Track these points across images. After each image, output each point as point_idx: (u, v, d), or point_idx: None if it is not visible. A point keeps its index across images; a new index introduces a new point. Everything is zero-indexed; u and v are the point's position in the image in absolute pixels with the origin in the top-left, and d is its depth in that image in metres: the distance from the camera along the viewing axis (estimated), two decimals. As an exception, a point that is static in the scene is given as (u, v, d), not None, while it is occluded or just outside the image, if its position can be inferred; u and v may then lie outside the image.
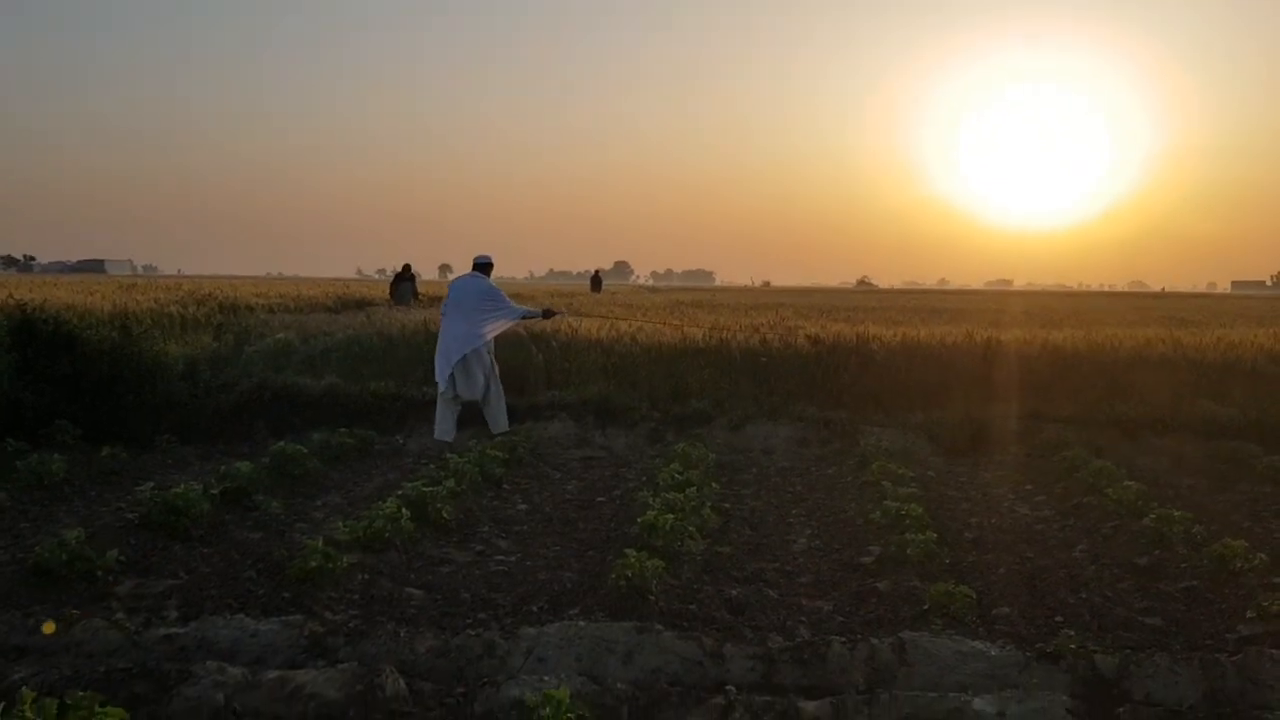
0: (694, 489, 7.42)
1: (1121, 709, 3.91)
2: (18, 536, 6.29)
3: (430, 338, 12.62)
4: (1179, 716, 3.87)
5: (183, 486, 6.55)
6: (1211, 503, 8.04)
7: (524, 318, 10.52)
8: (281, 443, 8.62)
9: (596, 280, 41.52)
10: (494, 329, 10.26)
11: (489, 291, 10.32)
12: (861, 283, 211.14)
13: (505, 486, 8.36)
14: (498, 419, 10.27)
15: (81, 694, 3.20)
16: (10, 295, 14.11)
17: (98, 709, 3.10)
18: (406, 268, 24.06)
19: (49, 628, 4.35)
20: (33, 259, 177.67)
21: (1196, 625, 5.17)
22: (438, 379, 10.05)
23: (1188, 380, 11.63)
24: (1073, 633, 4.73)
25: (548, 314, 10.88)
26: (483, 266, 10.58)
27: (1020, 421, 10.61)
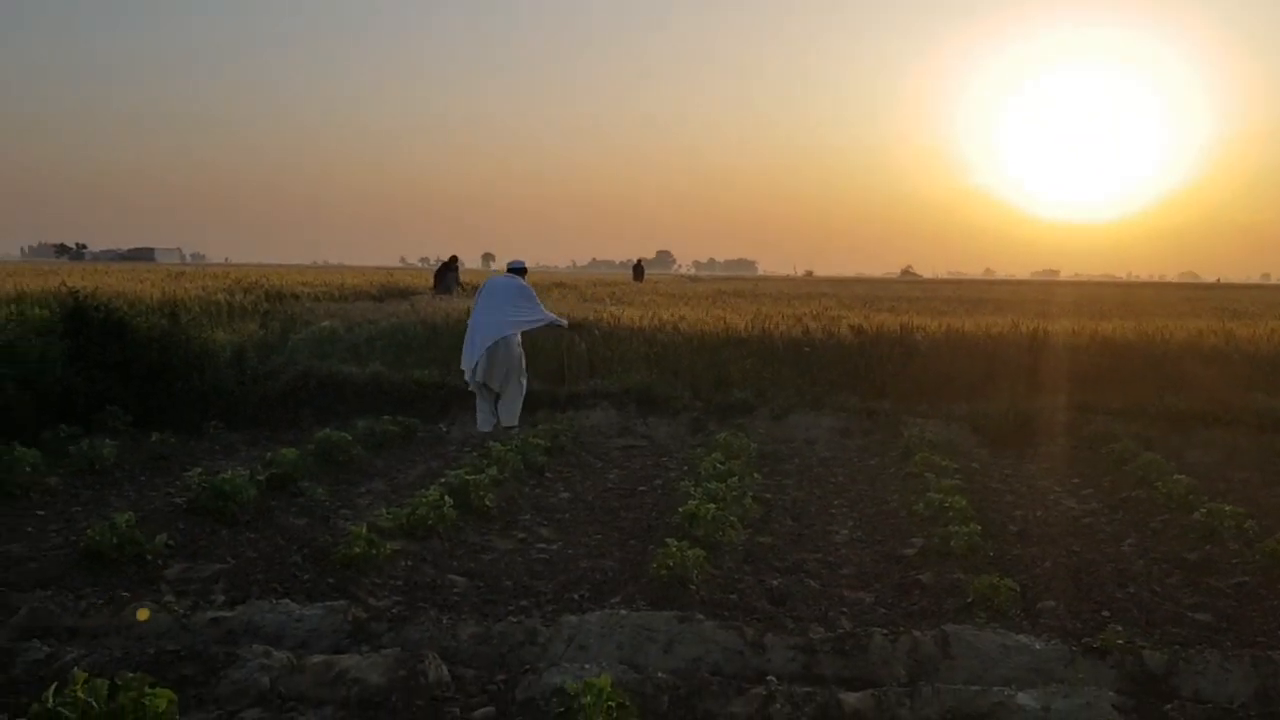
0: (736, 479, 7.41)
1: (1169, 706, 3.85)
2: (70, 520, 6.42)
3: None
4: (1229, 714, 3.81)
5: (230, 472, 6.65)
6: (1265, 497, 7.88)
7: (551, 324, 10.57)
8: (326, 430, 8.72)
9: (639, 269, 41.51)
10: (523, 324, 10.30)
11: (522, 289, 10.40)
12: (905, 273, 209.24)
13: (547, 475, 8.40)
14: (509, 412, 10.30)
15: (131, 675, 3.26)
16: (63, 283, 14.37)
17: (147, 690, 3.15)
18: (453, 259, 24.20)
19: (143, 614, 4.44)
20: (84, 247, 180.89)
21: (1248, 622, 5.07)
22: (464, 365, 10.13)
23: (1241, 373, 11.42)
24: (1120, 628, 4.66)
25: (574, 326, 10.92)
26: (518, 271, 10.72)
27: (1067, 413, 10.48)
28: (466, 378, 10.15)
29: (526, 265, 10.88)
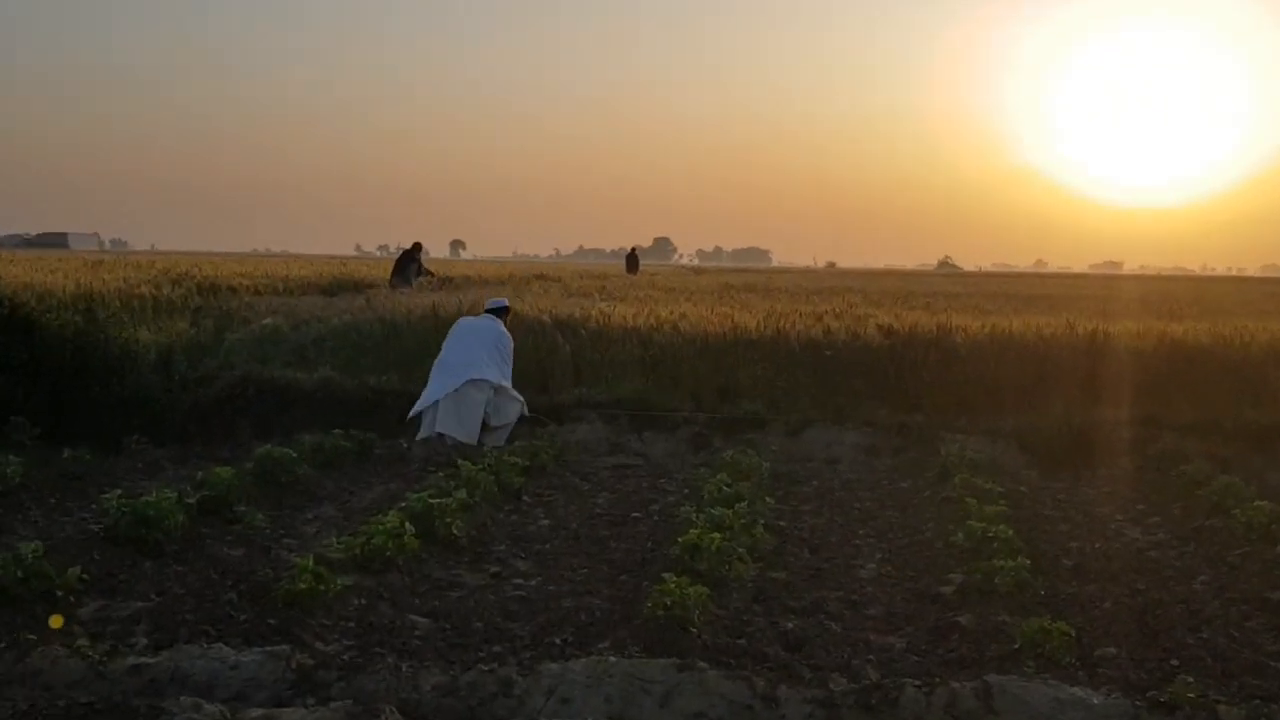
0: (745, 504, 7.41)
1: (1249, 770, 3.85)
2: (-33, 550, 6.40)
3: (442, 324, 12.70)
4: (1318, 780, 3.81)
5: (155, 495, 6.63)
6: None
7: (507, 396, 10.55)
8: (268, 445, 8.70)
9: (633, 259, 41.55)
10: (486, 381, 10.25)
11: (499, 341, 10.48)
12: (943, 264, 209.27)
13: (525, 499, 8.40)
14: (495, 437, 10.34)
15: (38, 731, 3.25)
16: (-41, 273, 14.36)
17: (56, 749, 3.14)
18: (416, 246, 24.20)
19: (52, 658, 4.41)
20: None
21: (1340, 672, 5.08)
22: (418, 407, 10.13)
23: (1335, 382, 11.45)
24: (1191, 679, 4.67)
25: (525, 419, 10.77)
26: (498, 311, 10.79)
27: (1131, 428, 10.51)
28: (418, 423, 10.13)
29: (509, 305, 10.97)
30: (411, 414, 10.17)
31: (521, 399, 10.63)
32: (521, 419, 10.64)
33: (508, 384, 10.45)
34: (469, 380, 10.14)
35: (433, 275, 23.53)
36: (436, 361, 10.51)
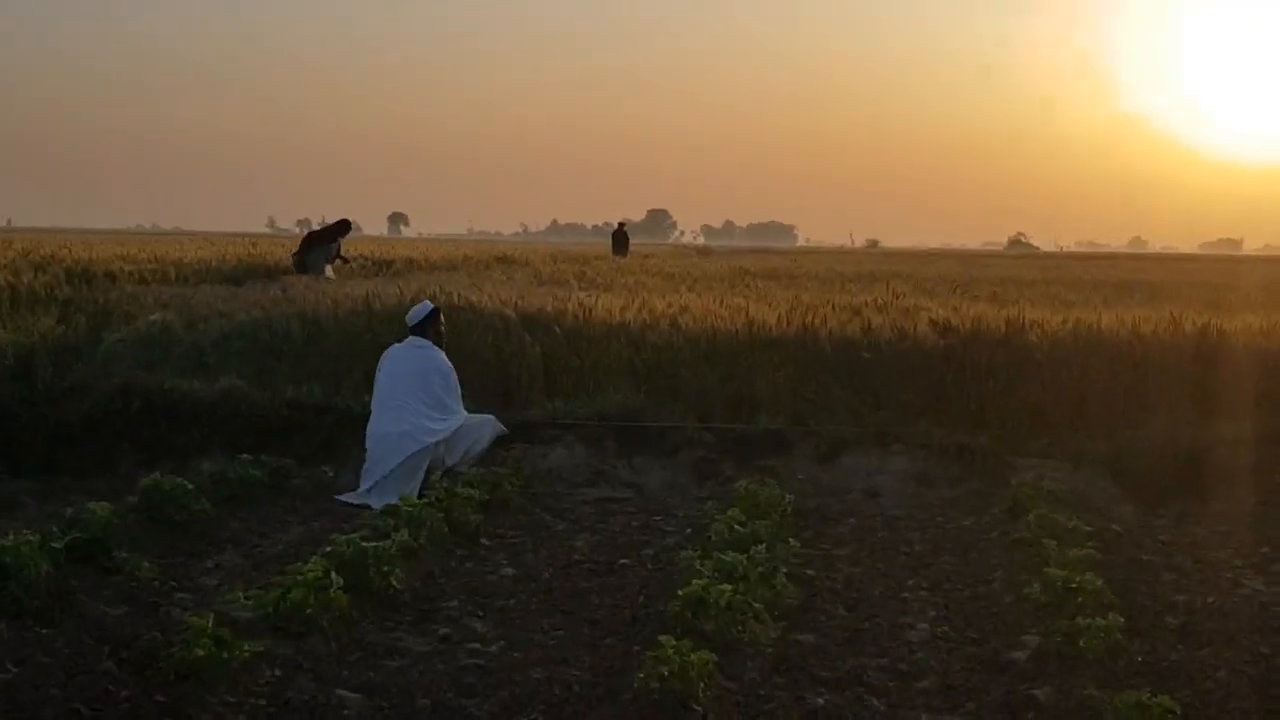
0: (763, 547, 7.42)
1: None
2: None
3: (377, 320, 12.67)
4: None
5: (12, 538, 6.60)
6: None
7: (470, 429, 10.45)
8: (155, 475, 8.68)
9: (620, 238, 41.55)
10: (437, 433, 10.10)
11: (431, 373, 10.21)
12: (1015, 243, 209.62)
13: (484, 542, 8.40)
14: (462, 466, 10.29)
15: None
16: None
17: None
18: (343, 224, 24.19)
19: None
20: None
21: None
22: (363, 487, 9.93)
23: None
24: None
25: (502, 440, 10.69)
26: (423, 324, 10.48)
27: (1254, 452, 10.50)
28: (370, 501, 9.89)
29: (438, 308, 10.71)
30: (349, 501, 9.91)
31: (489, 417, 10.55)
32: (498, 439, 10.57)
33: (458, 420, 10.31)
34: (411, 453, 9.94)
35: (347, 262, 23.54)
36: (369, 427, 10.23)
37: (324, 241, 23.61)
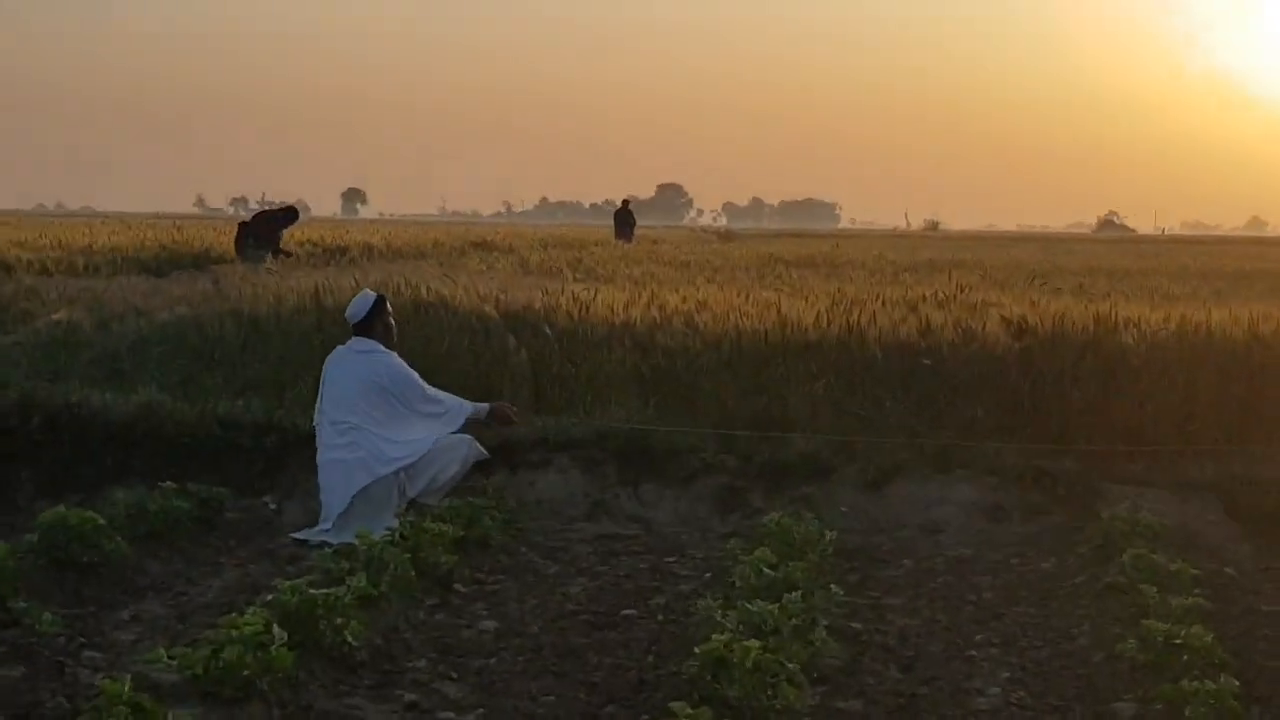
0: (798, 595, 7.39)
1: None
2: None
3: (328, 318, 12.66)
4: None
5: (-115, 583, 6.63)
6: None
7: (464, 420, 10.50)
8: (60, 507, 8.67)
9: (624, 218, 41.57)
10: (399, 461, 10.07)
11: (392, 382, 10.18)
12: (1106, 224, 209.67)
13: (459, 588, 8.39)
14: (431, 498, 10.27)
15: None
16: None
17: None
18: (287, 213, 24.27)
19: None
20: None
21: None
22: (321, 524, 9.93)
23: None
24: None
25: (500, 415, 10.69)
26: (367, 320, 10.40)
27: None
28: (329, 538, 9.88)
29: (382, 296, 10.60)
30: (304, 538, 9.93)
31: (464, 437, 10.49)
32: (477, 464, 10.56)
33: (424, 443, 10.27)
34: (365, 486, 9.93)
35: (289, 256, 23.68)
36: (318, 437, 10.20)
37: (265, 233, 23.69)
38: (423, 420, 10.32)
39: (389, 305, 10.66)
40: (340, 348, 10.45)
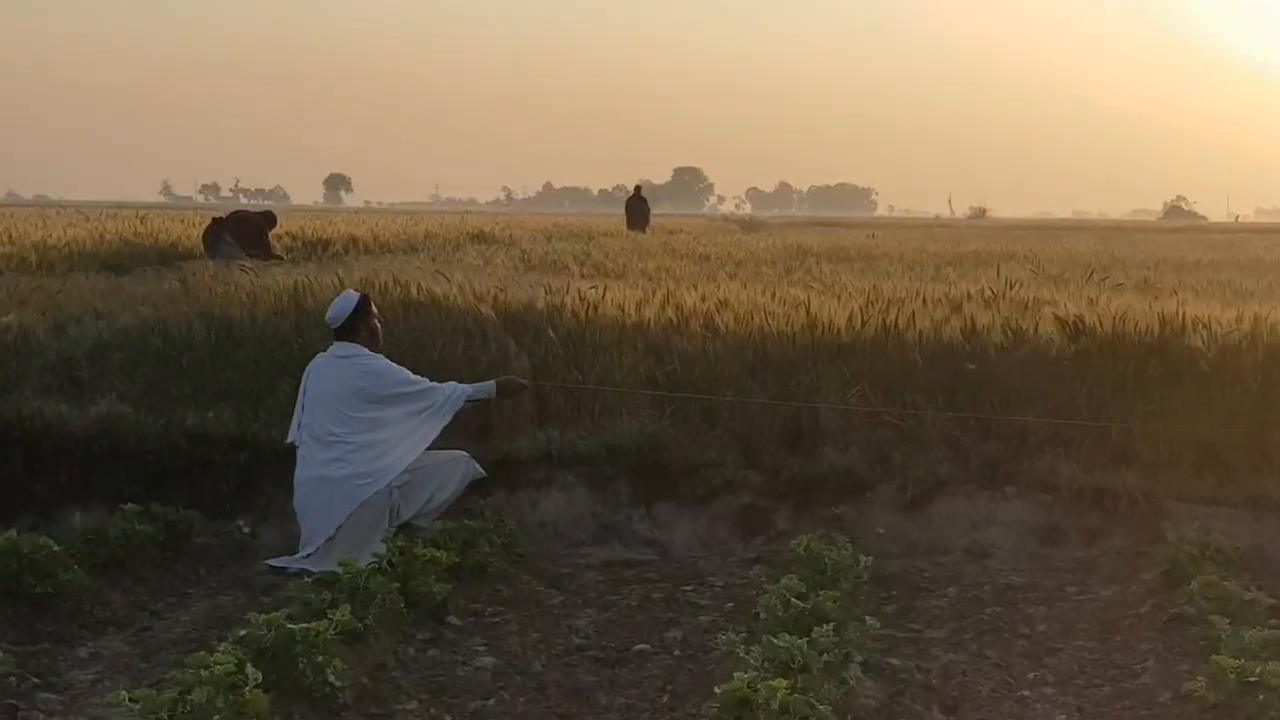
0: (829, 628, 7.37)
1: None
2: None
3: (308, 321, 12.65)
4: None
5: None
6: None
7: (465, 403, 10.46)
8: (11, 532, 8.68)
9: (637, 206, 41.66)
10: (405, 451, 10.13)
11: (374, 381, 10.16)
12: (1174, 210, 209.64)
13: (453, 620, 8.39)
14: (424, 520, 10.25)
15: None
16: None
17: None
18: (269, 215, 24.40)
19: None
20: None
21: None
22: (302, 550, 9.93)
23: None
24: None
25: (506, 389, 10.68)
26: (350, 323, 10.38)
27: None
28: (301, 564, 9.88)
29: (365, 296, 10.55)
30: (282, 566, 9.94)
31: (460, 454, 10.46)
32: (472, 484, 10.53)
33: (434, 409, 10.28)
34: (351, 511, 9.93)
35: (282, 260, 23.79)
36: (299, 453, 10.20)
37: (247, 235, 23.75)
38: (414, 420, 10.29)
39: (374, 306, 10.65)
40: (320, 355, 10.43)
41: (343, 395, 10.14)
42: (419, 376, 10.44)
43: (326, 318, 10.57)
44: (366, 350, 10.33)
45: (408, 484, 10.09)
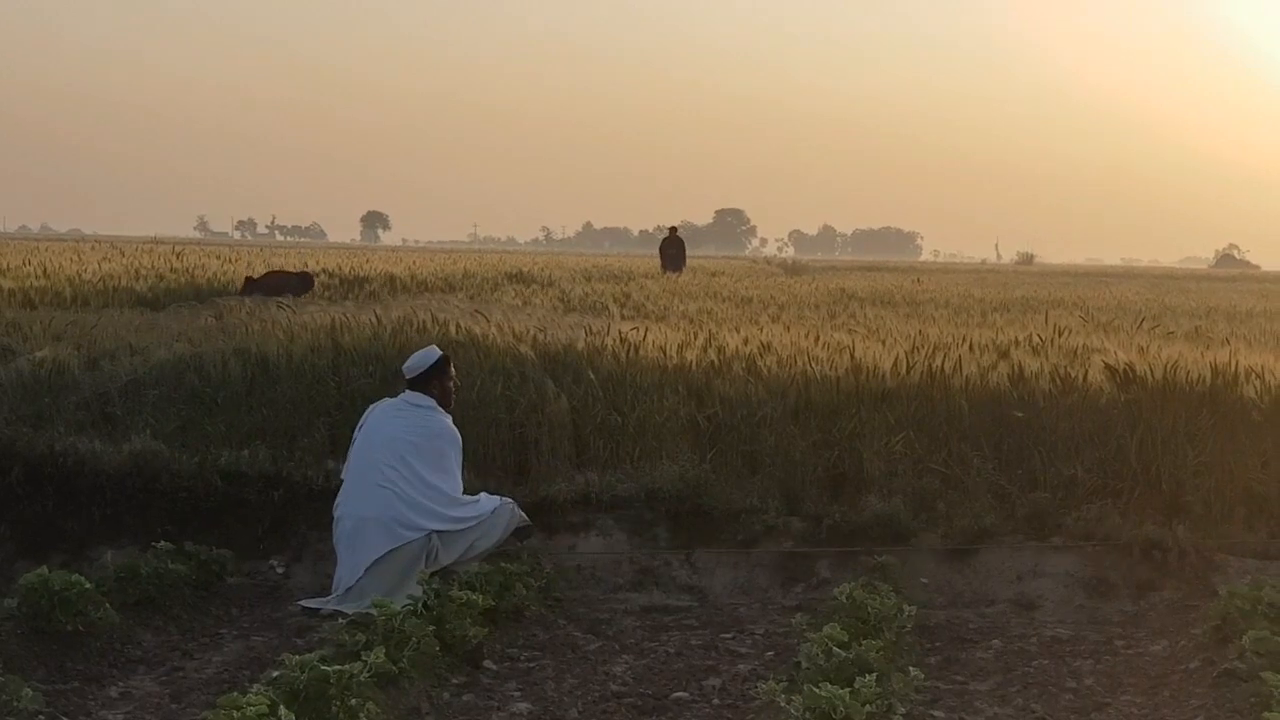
0: (872, 678, 7.34)
1: None
2: None
3: (345, 360, 12.68)
4: None
5: None
6: None
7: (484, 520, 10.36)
8: (43, 569, 8.70)
9: (673, 248, 41.61)
10: (435, 522, 10.10)
11: (439, 439, 10.29)
12: (1226, 259, 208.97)
13: (489, 665, 8.40)
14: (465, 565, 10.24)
15: None
16: None
17: None
18: (305, 277, 24.60)
19: None
20: None
21: None
22: (336, 585, 9.91)
23: None
24: None
25: (520, 533, 10.67)
26: (425, 376, 10.45)
27: None
28: (335, 604, 9.87)
29: (446, 356, 10.55)
30: (314, 606, 9.93)
31: (506, 502, 10.40)
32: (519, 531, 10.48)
33: (471, 511, 10.25)
34: (390, 550, 9.91)
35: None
36: (337, 508, 10.19)
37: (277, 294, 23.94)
38: (438, 501, 10.21)
39: (453, 367, 10.71)
40: (388, 399, 10.47)
41: (402, 442, 10.15)
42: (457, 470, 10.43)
43: (404, 367, 10.61)
44: (438, 407, 10.40)
45: (449, 530, 10.08)
